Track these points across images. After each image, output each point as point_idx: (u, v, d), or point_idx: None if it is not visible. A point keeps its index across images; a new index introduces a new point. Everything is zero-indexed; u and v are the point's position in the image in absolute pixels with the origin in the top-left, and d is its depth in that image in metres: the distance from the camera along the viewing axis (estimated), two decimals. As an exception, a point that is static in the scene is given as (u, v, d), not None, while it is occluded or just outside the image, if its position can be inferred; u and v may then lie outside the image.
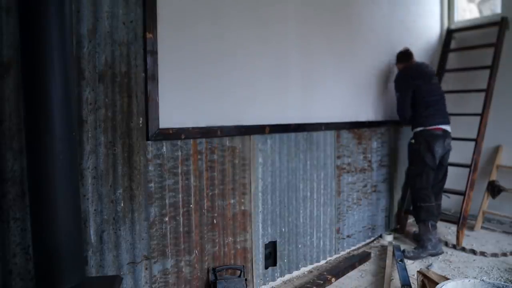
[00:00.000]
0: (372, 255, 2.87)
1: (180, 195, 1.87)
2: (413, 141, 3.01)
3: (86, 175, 1.54)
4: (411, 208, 3.18)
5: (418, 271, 2.16)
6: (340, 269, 2.55)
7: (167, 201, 1.81)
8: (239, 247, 2.16)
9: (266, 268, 2.31)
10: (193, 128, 1.89)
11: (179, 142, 1.85)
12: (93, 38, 1.55)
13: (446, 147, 2.95)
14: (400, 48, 3.21)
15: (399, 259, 2.69)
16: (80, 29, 1.51)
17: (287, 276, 2.47)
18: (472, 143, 3.27)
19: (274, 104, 2.33)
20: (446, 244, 3.06)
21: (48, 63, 1.21)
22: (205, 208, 1.98)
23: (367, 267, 2.69)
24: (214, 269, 2.00)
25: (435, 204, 2.98)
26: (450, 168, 3.75)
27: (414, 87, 2.97)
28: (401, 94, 3.04)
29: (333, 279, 2.43)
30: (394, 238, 3.23)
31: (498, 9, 3.76)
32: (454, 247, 3.00)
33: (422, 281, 2.06)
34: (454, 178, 3.65)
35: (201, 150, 1.95)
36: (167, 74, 1.80)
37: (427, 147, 2.88)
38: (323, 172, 2.67)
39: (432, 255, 2.84)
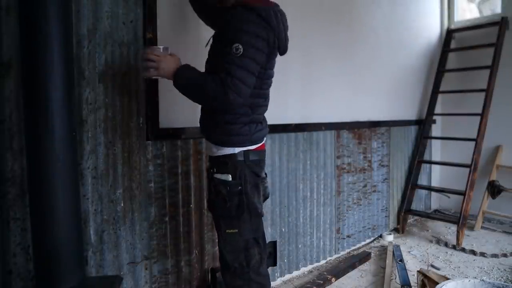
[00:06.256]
0: (372, 255, 2.87)
1: (180, 195, 1.86)
2: None
3: (86, 175, 1.54)
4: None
5: (418, 271, 2.16)
6: (340, 269, 2.55)
7: (167, 201, 1.81)
8: (239, 247, 2.15)
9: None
10: (193, 128, 1.88)
11: (179, 142, 1.85)
12: (93, 38, 1.55)
13: None
14: (399, 47, 3.19)
15: (399, 259, 2.69)
16: (80, 29, 1.51)
17: (287, 276, 2.46)
18: (472, 143, 3.27)
19: (273, 103, 2.32)
20: (446, 244, 3.06)
21: (48, 63, 1.21)
22: (205, 208, 1.98)
23: (367, 267, 2.69)
24: (214, 269, 2.00)
25: None
26: (450, 168, 3.78)
27: None
28: None
29: (333, 279, 2.43)
30: (394, 238, 3.23)
31: (498, 9, 3.76)
32: (454, 247, 3.00)
33: (422, 281, 2.06)
34: (454, 178, 3.67)
35: (201, 150, 1.94)
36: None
37: None
38: (323, 172, 2.67)
39: None
